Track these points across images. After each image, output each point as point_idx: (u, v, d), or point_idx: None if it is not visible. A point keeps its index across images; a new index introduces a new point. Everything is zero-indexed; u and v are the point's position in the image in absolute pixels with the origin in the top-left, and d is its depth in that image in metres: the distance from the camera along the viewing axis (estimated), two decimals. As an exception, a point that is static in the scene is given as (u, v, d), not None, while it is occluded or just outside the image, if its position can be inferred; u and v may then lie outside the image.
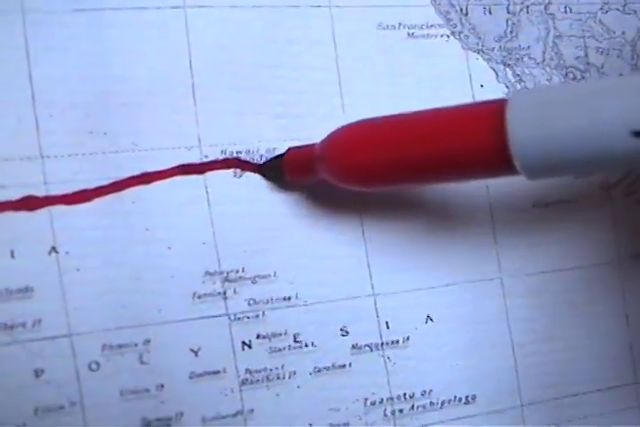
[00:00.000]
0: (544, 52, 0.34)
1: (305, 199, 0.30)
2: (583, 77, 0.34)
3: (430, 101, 0.30)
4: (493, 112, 0.23)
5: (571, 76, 0.34)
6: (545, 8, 0.34)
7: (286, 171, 0.29)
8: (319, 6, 0.31)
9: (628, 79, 0.21)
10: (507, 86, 0.33)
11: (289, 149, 0.30)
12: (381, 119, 0.27)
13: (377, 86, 0.31)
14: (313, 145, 0.28)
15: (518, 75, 0.33)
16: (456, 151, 0.24)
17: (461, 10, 0.33)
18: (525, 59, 0.33)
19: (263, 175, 0.30)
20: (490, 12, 0.33)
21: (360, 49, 0.31)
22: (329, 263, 0.30)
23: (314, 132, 0.30)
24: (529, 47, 0.34)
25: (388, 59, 0.32)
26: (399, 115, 0.27)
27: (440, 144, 0.24)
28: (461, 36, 0.33)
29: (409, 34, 0.32)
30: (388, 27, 0.32)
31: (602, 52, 0.35)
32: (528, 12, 0.34)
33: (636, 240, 0.34)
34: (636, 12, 0.35)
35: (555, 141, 0.22)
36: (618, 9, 0.35)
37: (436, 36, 0.32)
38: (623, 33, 0.35)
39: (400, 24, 0.32)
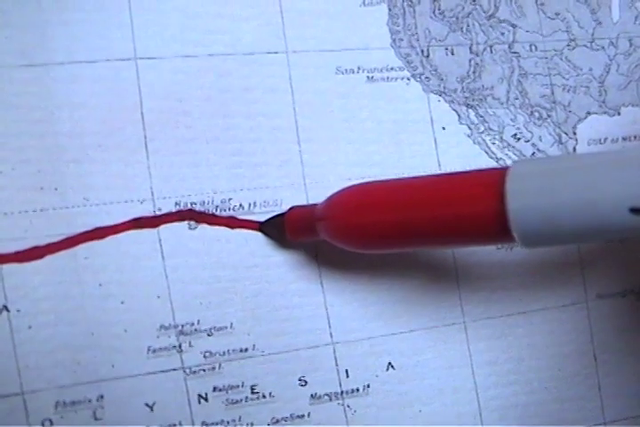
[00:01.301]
0: (508, 92, 0.33)
1: (261, 250, 0.29)
2: (549, 116, 0.34)
3: (391, 146, 0.30)
4: (494, 181, 0.23)
5: (536, 115, 0.33)
6: (509, 47, 0.33)
7: (287, 230, 0.29)
8: (276, 52, 0.30)
9: (626, 154, 0.21)
10: (469, 128, 0.32)
11: (291, 208, 0.30)
12: (382, 183, 0.27)
13: (335, 132, 0.31)
14: (315, 205, 0.28)
15: (481, 116, 0.33)
16: (455, 219, 0.24)
17: (422, 51, 0.32)
18: (489, 99, 0.33)
19: (264, 233, 0.30)
20: (452, 53, 0.32)
21: (318, 94, 0.31)
22: (286, 313, 0.30)
23: (270, 180, 0.30)
24: (492, 87, 0.33)
25: (347, 103, 0.31)
26: (401, 179, 0.27)
27: (439, 211, 0.25)
28: (422, 78, 0.32)
29: (368, 77, 0.31)
30: (346, 71, 0.31)
31: (568, 89, 0.34)
32: (492, 52, 0.33)
33: (605, 280, 0.34)
34: (603, 47, 0.35)
35: (553, 214, 0.22)
36: (585, 45, 0.35)
37: (396, 79, 0.32)
38: (590, 69, 0.35)
39: (359, 68, 0.31)
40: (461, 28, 0.33)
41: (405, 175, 0.31)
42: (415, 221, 0.25)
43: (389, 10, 0.32)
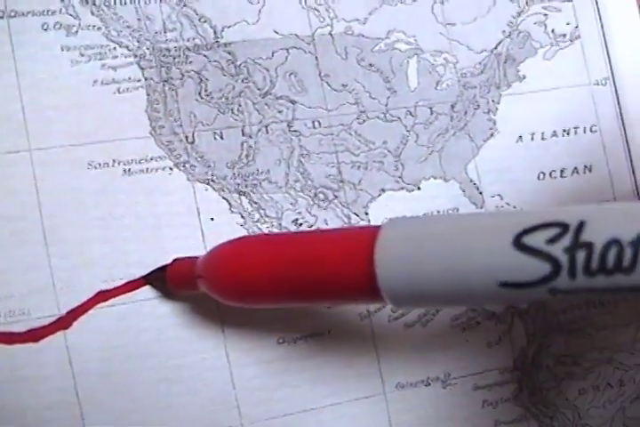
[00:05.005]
0: (287, 175, 0.34)
1: (7, 363, 0.30)
2: (336, 197, 0.34)
3: (152, 242, 0.31)
4: (364, 242, 0.24)
5: (321, 196, 0.34)
6: (288, 125, 0.34)
7: (169, 282, 0.31)
8: (17, 151, 0.31)
9: (499, 220, 0.23)
10: (242, 216, 0.33)
11: (174, 260, 0.32)
12: (260, 238, 0.30)
13: (89, 232, 0.32)
14: (197, 258, 0.30)
15: (256, 202, 0.33)
16: (327, 278, 0.26)
17: (187, 138, 0.33)
18: (264, 184, 0.33)
19: (150, 284, 0.32)
20: (221, 137, 0.33)
21: (67, 193, 0.32)
22: (38, 428, 0.30)
23: (15, 288, 0.31)
24: (269, 171, 0.33)
25: (102, 200, 0.32)
26: (279, 234, 0.31)
27: (312, 272, 0.26)
28: (187, 166, 0.33)
29: (125, 170, 0.32)
30: (100, 165, 0.32)
31: (359, 166, 0.34)
32: (268, 132, 0.33)
33: (404, 368, 0.34)
34: (399, 118, 0.35)
35: (422, 281, 0.23)
36: (378, 117, 0.35)
37: (156, 170, 0.32)
38: (385, 143, 0.35)
39: (114, 160, 0.32)
40: (232, 109, 0.33)
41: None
42: (288, 278, 0.27)
43: (148, 95, 0.33)
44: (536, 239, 0.21)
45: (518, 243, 0.21)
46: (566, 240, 0.21)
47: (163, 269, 0.32)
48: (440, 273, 0.23)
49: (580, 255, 0.20)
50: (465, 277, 0.22)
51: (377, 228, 0.25)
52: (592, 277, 0.20)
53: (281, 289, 0.27)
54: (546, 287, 0.21)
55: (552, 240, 0.21)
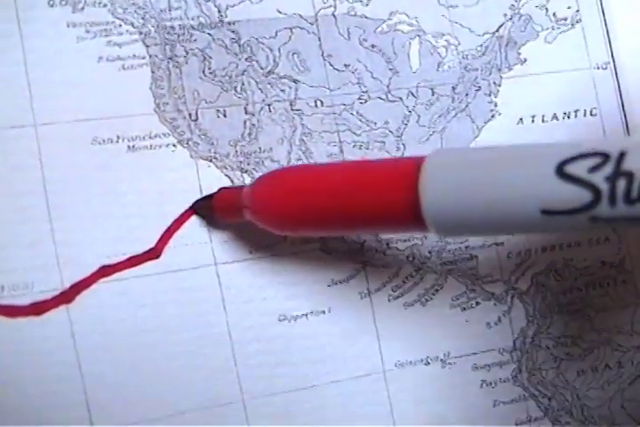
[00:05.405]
0: (290, 153, 0.34)
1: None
2: (338, 176, 0.34)
3: (155, 219, 0.31)
4: (409, 172, 0.25)
5: (323, 175, 0.34)
6: (291, 104, 0.34)
7: (215, 211, 0.32)
8: (22, 126, 0.31)
9: (542, 150, 0.23)
10: (245, 194, 0.33)
11: (220, 189, 0.33)
12: (305, 168, 0.32)
13: (92, 207, 0.32)
14: (242, 187, 0.31)
15: (259, 180, 0.33)
16: (371, 203, 0.26)
17: (190, 115, 0.33)
18: (267, 162, 0.34)
19: (196, 213, 0.33)
20: (224, 115, 0.33)
21: (72, 168, 0.32)
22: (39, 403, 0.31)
23: (19, 262, 0.31)
24: (271, 149, 0.34)
25: (105, 176, 0.32)
26: (322, 164, 0.32)
27: (357, 199, 0.27)
28: (190, 143, 0.33)
29: (129, 147, 0.32)
30: (104, 141, 0.32)
31: (360, 146, 0.35)
32: (270, 111, 0.34)
33: (404, 347, 0.35)
34: (401, 98, 0.36)
35: (466, 209, 0.24)
36: (380, 97, 0.35)
37: (160, 147, 0.33)
38: (386, 123, 0.35)
39: (119, 137, 0.32)
40: (235, 88, 0.34)
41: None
42: (333, 206, 0.28)
43: (152, 72, 0.33)
44: (578, 168, 0.22)
45: (561, 171, 0.22)
46: (607, 169, 0.21)
47: (209, 197, 0.33)
48: (483, 200, 0.23)
49: (621, 184, 0.21)
50: (508, 204, 0.23)
51: (422, 157, 0.25)
52: (632, 205, 0.21)
53: (325, 217, 0.28)
54: (587, 215, 0.22)
55: (594, 169, 0.22)
